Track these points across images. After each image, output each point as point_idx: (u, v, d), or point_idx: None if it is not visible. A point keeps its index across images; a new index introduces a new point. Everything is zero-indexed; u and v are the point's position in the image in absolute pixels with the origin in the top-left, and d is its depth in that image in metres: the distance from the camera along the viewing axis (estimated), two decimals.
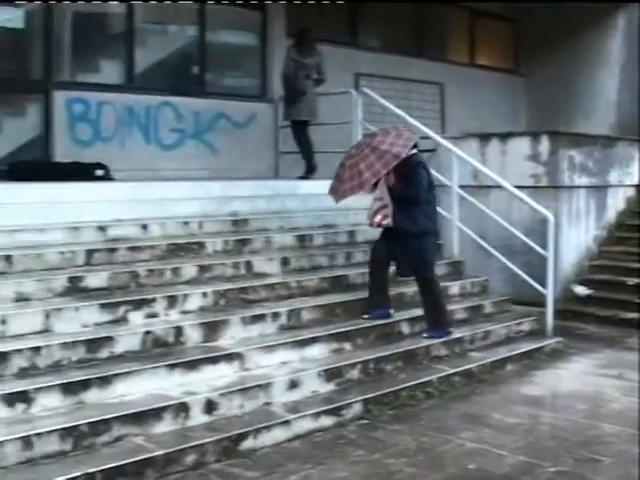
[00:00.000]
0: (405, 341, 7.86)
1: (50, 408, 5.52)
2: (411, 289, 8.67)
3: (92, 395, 5.73)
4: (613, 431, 6.39)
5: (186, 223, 8.59)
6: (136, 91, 11.48)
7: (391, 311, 8.03)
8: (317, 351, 7.17)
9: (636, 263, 11.22)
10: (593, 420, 6.68)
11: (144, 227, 8.24)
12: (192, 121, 12.03)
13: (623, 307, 10.49)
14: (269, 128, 12.71)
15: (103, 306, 6.60)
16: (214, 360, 6.46)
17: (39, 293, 6.63)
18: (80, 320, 6.44)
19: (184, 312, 7.05)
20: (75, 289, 6.83)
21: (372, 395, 6.73)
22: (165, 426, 5.71)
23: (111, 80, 11.55)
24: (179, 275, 7.54)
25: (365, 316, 7.85)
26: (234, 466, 5.55)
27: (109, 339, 6.26)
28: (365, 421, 6.49)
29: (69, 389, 5.64)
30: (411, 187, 7.82)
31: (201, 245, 8.22)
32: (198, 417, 5.90)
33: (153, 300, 6.89)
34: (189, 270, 7.63)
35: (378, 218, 7.93)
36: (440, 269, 9.49)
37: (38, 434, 5.15)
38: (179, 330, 6.67)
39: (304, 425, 6.16)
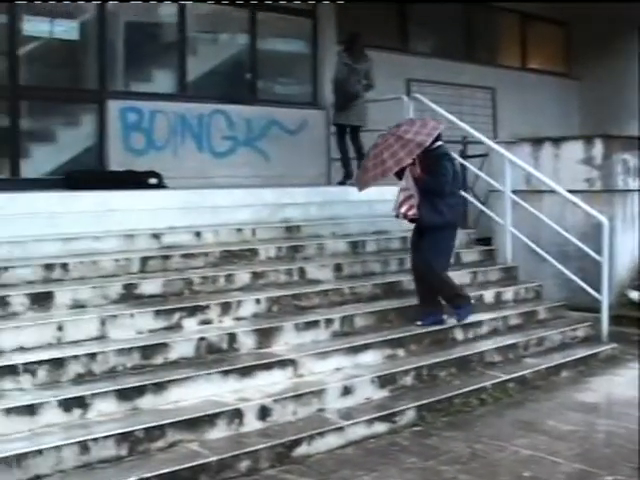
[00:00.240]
0: (459, 347, 7.82)
1: (106, 413, 5.58)
2: None
3: (147, 401, 5.78)
4: None
5: (239, 230, 8.65)
6: (188, 99, 11.59)
7: (444, 317, 7.99)
8: (370, 357, 7.16)
9: None
10: None
11: (197, 234, 8.30)
12: (244, 128, 12.10)
13: None
14: (320, 134, 12.74)
15: (158, 313, 6.67)
16: (268, 366, 6.47)
17: (95, 300, 6.72)
18: (135, 327, 6.51)
19: (238, 319, 7.08)
20: (130, 296, 6.91)
21: (426, 402, 6.69)
22: (219, 432, 5.73)
23: (164, 89, 11.67)
24: (232, 282, 7.58)
25: (418, 323, 7.82)
26: (288, 472, 5.55)
27: (164, 345, 6.31)
28: (418, 428, 6.46)
29: (124, 395, 5.70)
30: (436, 179, 7.75)
31: (254, 252, 8.26)
32: (252, 423, 5.91)
33: (207, 307, 6.94)
34: (242, 277, 7.67)
35: (404, 209, 7.87)
36: (493, 274, 9.50)
37: (94, 439, 5.21)
38: (233, 337, 6.70)
39: (357, 431, 6.15)
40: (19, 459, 4.91)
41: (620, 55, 16.77)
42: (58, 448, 5.06)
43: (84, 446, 5.15)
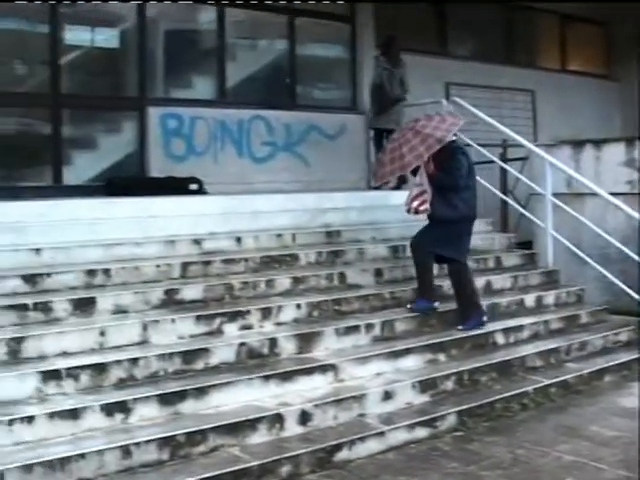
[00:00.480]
0: (500, 352, 7.77)
1: (148, 418, 5.62)
2: (505, 299, 8.62)
3: (188, 406, 5.81)
4: None
5: (279, 235, 8.67)
6: (228, 105, 11.64)
7: (484, 319, 7.95)
8: (411, 362, 7.14)
9: None
10: None
11: (238, 240, 8.34)
12: (284, 134, 12.13)
13: None
14: (360, 139, 12.73)
15: (199, 318, 6.70)
16: (308, 371, 6.48)
17: (136, 305, 6.77)
18: (176, 332, 6.55)
19: (278, 324, 7.10)
20: (171, 301, 6.95)
21: (467, 406, 6.66)
22: (260, 437, 5.75)
23: (204, 95, 11.74)
24: (273, 287, 7.60)
25: (460, 327, 7.79)
26: (329, 477, 5.56)
27: (204, 350, 6.35)
28: (460, 433, 6.43)
29: (166, 400, 5.73)
30: (450, 174, 7.71)
31: (294, 257, 8.28)
32: (293, 428, 5.92)
33: (248, 312, 6.96)
34: (283, 282, 7.69)
35: (415, 204, 7.82)
36: (534, 278, 9.42)
37: (136, 443, 5.25)
38: (273, 341, 6.72)
39: (398, 437, 6.14)
40: (62, 463, 4.97)
41: None
42: (100, 452, 5.11)
43: (126, 450, 5.19)
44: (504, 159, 12.24)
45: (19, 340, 5.91)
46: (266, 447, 5.65)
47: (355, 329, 7.24)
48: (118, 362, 5.94)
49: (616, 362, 8.22)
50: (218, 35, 11.73)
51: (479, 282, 8.74)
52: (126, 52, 11.21)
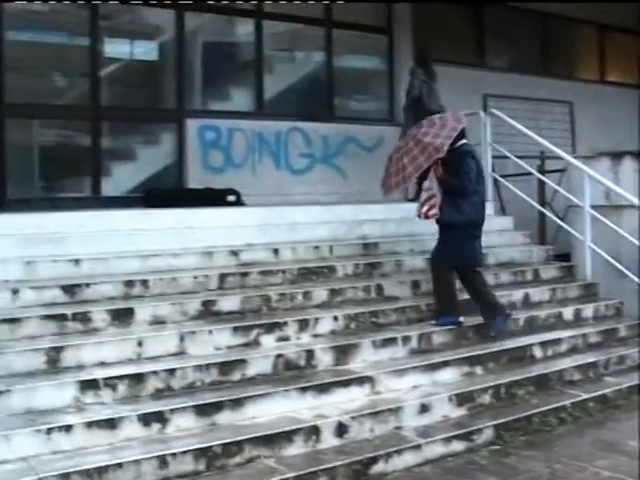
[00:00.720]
0: (537, 365, 7.72)
1: (184, 429, 5.65)
2: (543, 312, 8.57)
3: (224, 417, 5.82)
4: None
5: (316, 247, 8.69)
6: (266, 117, 11.69)
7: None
8: (448, 375, 7.12)
9: None
10: None
11: (275, 251, 8.37)
12: (321, 146, 12.16)
13: None
14: None
15: (236, 329, 6.72)
16: (345, 383, 6.47)
17: (174, 316, 6.81)
18: (213, 343, 6.57)
19: (315, 335, 7.11)
20: (208, 312, 6.99)
21: (504, 420, 6.61)
22: (296, 449, 5.75)
23: (241, 107, 11.79)
24: (310, 299, 7.61)
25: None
26: None
27: (241, 362, 6.36)
28: (496, 447, 6.39)
29: (202, 410, 5.75)
30: (458, 178, 7.67)
31: (332, 269, 8.29)
32: (329, 440, 5.91)
33: (284, 323, 6.97)
34: (320, 294, 7.70)
35: (424, 209, 7.81)
36: (573, 291, 9.35)
37: (173, 454, 5.27)
38: (310, 353, 6.73)
39: (435, 450, 6.11)
40: (100, 472, 5.00)
41: None
42: (137, 462, 5.14)
43: (163, 460, 5.22)
44: (542, 171, 12.14)
45: (58, 350, 5.97)
46: (302, 459, 5.65)
47: (392, 341, 7.23)
48: (155, 372, 5.97)
49: None
50: (256, 47, 11.80)
51: (517, 295, 8.71)
52: (164, 64, 11.30)
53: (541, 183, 11.84)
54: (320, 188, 11.70)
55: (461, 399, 6.73)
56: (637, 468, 5.87)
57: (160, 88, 11.39)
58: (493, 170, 10.89)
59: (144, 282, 7.15)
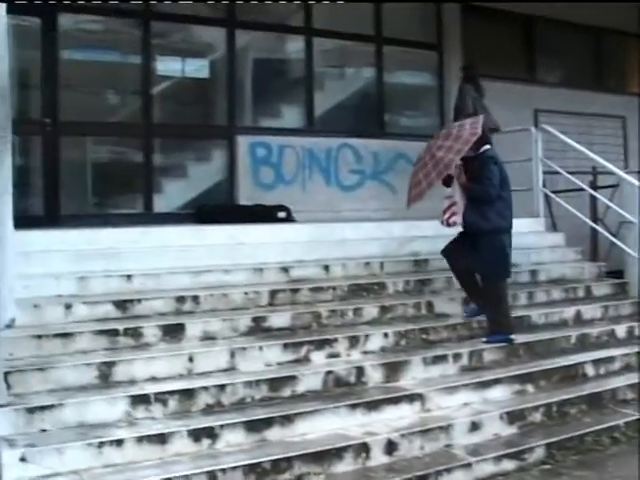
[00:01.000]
0: (590, 383, 7.62)
1: (234, 444, 5.65)
2: (595, 329, 8.47)
3: (274, 433, 5.82)
4: None
5: (367, 264, 8.68)
6: (316, 134, 11.72)
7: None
8: (499, 393, 7.05)
9: None
10: None
11: (326, 268, 8.38)
12: (371, 162, 12.16)
13: None
14: None
15: (286, 346, 6.73)
16: (395, 400, 6.45)
17: (224, 332, 6.84)
18: (263, 359, 6.59)
19: (365, 352, 7.09)
20: (259, 329, 7.01)
21: (555, 439, 6.53)
22: (345, 466, 5.73)
23: (291, 124, 11.83)
24: (360, 315, 7.60)
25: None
26: None
27: (291, 378, 6.36)
28: (548, 466, 6.31)
29: (252, 426, 5.76)
30: (481, 184, 7.57)
31: (382, 285, 8.28)
32: (378, 457, 5.88)
33: (335, 340, 6.97)
34: (370, 310, 7.69)
35: (446, 216, 7.77)
36: (626, 308, 9.23)
37: (223, 469, 5.28)
38: (360, 370, 6.71)
39: (485, 469, 6.05)
40: None
41: None
42: (187, 477, 5.15)
43: (212, 476, 5.22)
44: (594, 187, 12.04)
45: (110, 364, 6.02)
46: (351, 476, 5.64)
47: (442, 358, 7.19)
48: (205, 388, 5.99)
49: None
50: (306, 64, 11.85)
51: (569, 312, 8.62)
52: (215, 82, 11.39)
53: (593, 199, 11.74)
54: (370, 204, 11.69)
55: (512, 417, 6.67)
56: None
57: (211, 105, 11.48)
58: (544, 186, 10.82)
59: (195, 298, 7.20)
